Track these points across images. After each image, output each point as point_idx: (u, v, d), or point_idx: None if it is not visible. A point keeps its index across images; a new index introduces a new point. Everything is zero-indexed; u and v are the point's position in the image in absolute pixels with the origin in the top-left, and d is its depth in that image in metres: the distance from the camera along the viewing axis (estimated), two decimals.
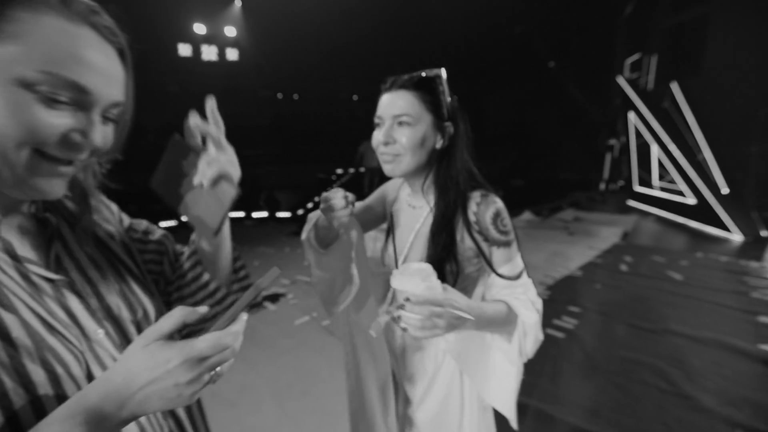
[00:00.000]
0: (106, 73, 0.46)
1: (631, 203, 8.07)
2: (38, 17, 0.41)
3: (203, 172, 0.54)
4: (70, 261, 0.51)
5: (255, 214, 7.00)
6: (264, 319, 3.15)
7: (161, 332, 0.42)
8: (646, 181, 7.80)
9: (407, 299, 0.72)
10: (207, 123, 0.56)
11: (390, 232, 1.06)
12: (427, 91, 0.87)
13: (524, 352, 0.87)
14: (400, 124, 0.87)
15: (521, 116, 18.72)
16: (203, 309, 0.46)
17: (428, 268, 0.75)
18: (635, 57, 10.64)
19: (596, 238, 5.39)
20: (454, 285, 0.89)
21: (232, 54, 18.30)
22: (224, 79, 18.10)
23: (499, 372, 0.88)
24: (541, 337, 0.89)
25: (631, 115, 7.90)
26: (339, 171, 12.78)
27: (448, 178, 0.90)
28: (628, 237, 5.67)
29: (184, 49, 17.29)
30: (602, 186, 10.65)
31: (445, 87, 0.90)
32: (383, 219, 1.12)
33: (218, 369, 0.44)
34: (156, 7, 16.05)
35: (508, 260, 0.89)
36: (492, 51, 19.50)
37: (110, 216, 0.62)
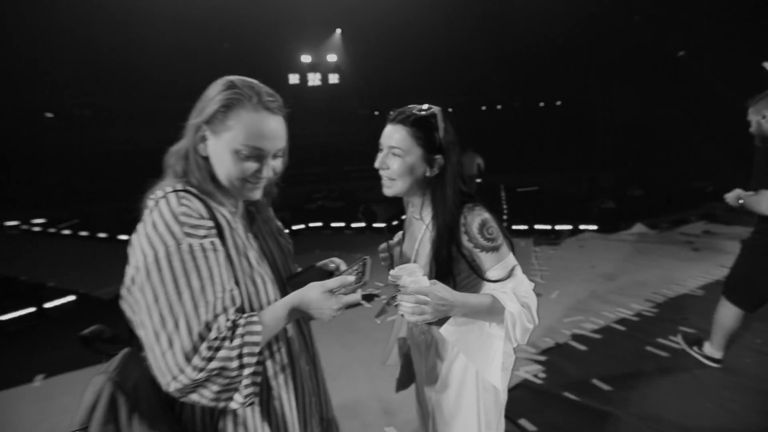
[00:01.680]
0: (276, 136, 0.83)
1: None
2: (244, 113, 0.79)
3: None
4: (260, 233, 0.93)
5: (354, 225, 7.63)
6: (361, 315, 3.53)
7: (327, 287, 0.81)
8: None
9: (399, 290, 0.91)
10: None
11: (403, 238, 1.23)
12: (419, 128, 1.01)
13: (514, 338, 0.98)
14: (393, 154, 1.03)
15: (640, 116, 16.54)
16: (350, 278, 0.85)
17: (416, 267, 0.95)
18: None
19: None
20: (454, 284, 1.02)
21: (333, 78, 20.05)
22: (327, 101, 19.88)
23: (494, 355, 1.00)
24: (529, 325, 0.98)
25: None
26: None
27: (440, 201, 1.03)
28: None
29: (293, 78, 19.52)
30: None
31: (440, 123, 1.02)
32: None
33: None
34: (271, 44, 18.46)
35: (498, 262, 1.01)
36: (604, 44, 17.97)
37: (273, 216, 1.03)
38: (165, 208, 0.74)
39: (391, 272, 0.94)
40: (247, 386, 0.73)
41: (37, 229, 9.03)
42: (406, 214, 1.23)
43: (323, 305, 0.80)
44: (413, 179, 1.04)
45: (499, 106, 20.74)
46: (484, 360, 1.01)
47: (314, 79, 19.88)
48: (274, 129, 0.82)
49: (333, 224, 7.75)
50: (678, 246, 5.20)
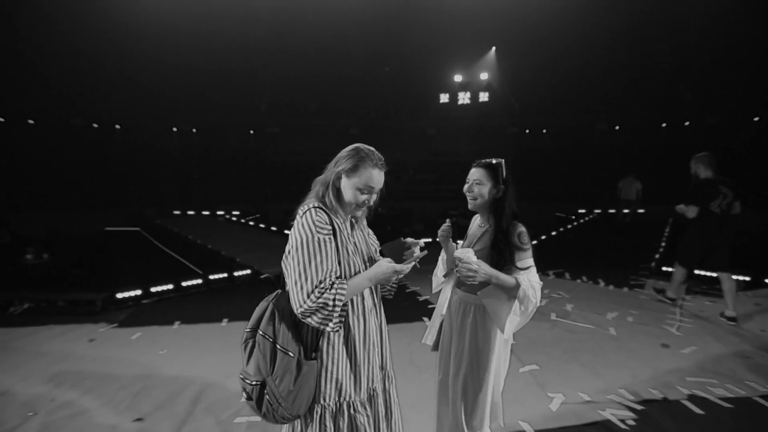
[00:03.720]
0: (379, 182, 1.40)
1: None
2: (366, 169, 1.37)
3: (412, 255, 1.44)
4: (357, 235, 1.46)
5: None
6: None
7: (392, 266, 1.35)
8: None
9: (459, 261, 1.54)
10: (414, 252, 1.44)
11: (465, 235, 1.94)
12: (490, 170, 1.71)
13: (525, 306, 1.60)
14: (477, 183, 1.73)
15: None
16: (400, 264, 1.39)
17: (471, 251, 1.57)
18: None
19: None
20: (501, 268, 1.63)
21: (483, 96, 20.12)
22: (474, 119, 20.06)
23: (507, 313, 1.61)
24: (533, 300, 1.59)
25: None
26: (580, 211, 12.17)
27: (500, 214, 1.69)
28: None
29: (444, 97, 20.33)
30: None
31: (503, 168, 1.70)
32: None
33: (399, 275, 1.37)
34: (427, 66, 19.70)
35: (522, 259, 1.64)
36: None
37: (364, 225, 1.56)
38: (309, 216, 1.31)
39: (456, 252, 1.57)
40: (336, 318, 1.25)
41: (233, 219, 11.92)
42: (471, 224, 1.92)
43: (385, 272, 1.33)
44: (486, 200, 1.72)
45: (687, 123, 17.54)
46: (499, 315, 1.63)
47: (464, 98, 20.34)
48: (379, 179, 1.39)
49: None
50: None
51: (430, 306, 4.33)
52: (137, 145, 17.77)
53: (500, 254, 1.64)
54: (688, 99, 17.15)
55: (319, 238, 1.28)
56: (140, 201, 14.22)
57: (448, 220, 1.86)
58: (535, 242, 8.44)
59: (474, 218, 1.92)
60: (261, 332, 1.30)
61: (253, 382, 1.29)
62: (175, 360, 3.13)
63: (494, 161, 1.71)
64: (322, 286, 1.24)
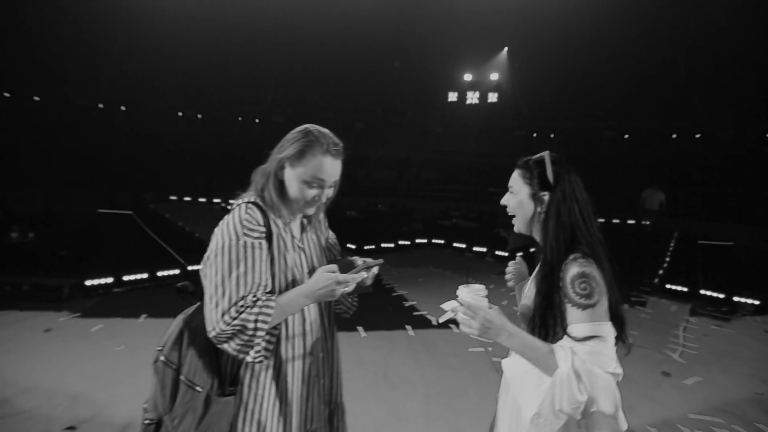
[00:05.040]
0: (333, 173, 1.11)
1: None
2: (315, 156, 1.07)
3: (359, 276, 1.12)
4: (306, 241, 1.20)
5: (476, 248, 7.36)
6: (445, 338, 3.50)
7: (327, 269, 1.05)
8: None
9: (458, 303, 1.00)
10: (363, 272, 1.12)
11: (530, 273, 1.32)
12: (527, 169, 1.14)
13: (557, 403, 0.91)
14: (510, 192, 1.18)
15: None
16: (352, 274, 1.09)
17: (482, 288, 1.01)
18: None
19: None
20: (554, 334, 1.01)
21: (492, 97, 19.74)
22: (482, 120, 19.67)
23: (536, 411, 0.97)
24: (580, 398, 0.89)
25: None
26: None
27: (544, 234, 1.09)
28: None
29: (452, 96, 19.97)
30: None
31: (548, 165, 1.10)
32: None
33: (346, 288, 1.05)
34: (437, 64, 19.36)
35: (580, 322, 0.95)
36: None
37: (323, 228, 1.30)
38: (236, 214, 1.06)
39: (459, 290, 1.03)
40: (258, 346, 0.98)
41: (229, 207, 11.69)
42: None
43: (324, 284, 1.02)
44: (525, 215, 1.14)
45: (697, 135, 17.06)
46: (527, 403, 1.00)
47: (473, 98, 19.98)
48: (333, 169, 1.11)
49: (455, 244, 7.68)
50: None
51: (416, 313, 4.06)
52: (142, 127, 17.62)
53: (551, 304, 1.01)
54: (700, 110, 16.68)
55: (245, 243, 1.02)
56: (140, 184, 14.06)
57: (518, 256, 1.30)
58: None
59: None
60: (163, 358, 1.03)
61: (146, 421, 1.03)
62: (130, 358, 2.89)
63: (533, 159, 1.14)
64: (241, 304, 0.98)
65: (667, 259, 7.38)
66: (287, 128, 1.17)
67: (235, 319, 0.96)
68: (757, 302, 4.78)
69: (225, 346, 0.98)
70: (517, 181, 1.15)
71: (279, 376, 1.09)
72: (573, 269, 0.98)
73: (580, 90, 17.98)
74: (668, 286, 5.36)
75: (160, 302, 4.00)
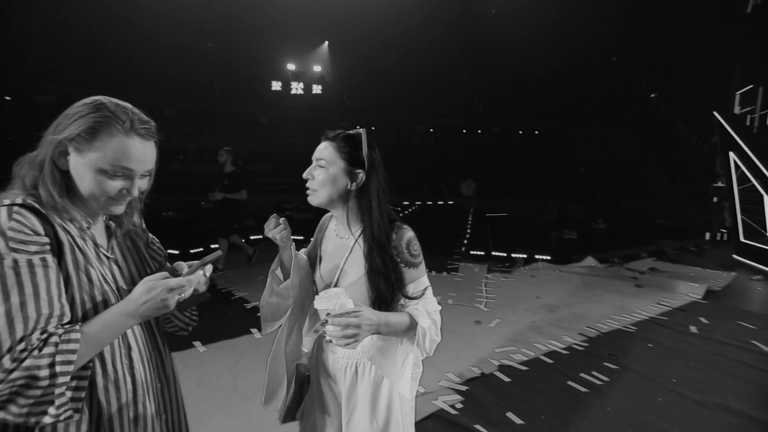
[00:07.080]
0: (144, 158, 0.86)
1: (738, 258, 6.89)
2: (113, 137, 0.81)
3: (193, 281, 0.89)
4: (118, 249, 0.95)
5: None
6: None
7: (152, 278, 0.82)
8: (759, 233, 6.50)
9: (328, 315, 0.96)
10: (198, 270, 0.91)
11: (318, 260, 1.23)
12: (344, 143, 1.12)
13: (423, 349, 1.08)
14: (319, 165, 1.12)
15: (612, 153, 17.20)
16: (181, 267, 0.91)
17: (342, 291, 1.00)
18: (747, 88, 9.56)
19: (670, 293, 4.77)
20: (392, 302, 1.09)
21: (316, 89, 20.09)
22: (309, 111, 19.85)
23: (405, 367, 1.12)
24: (437, 338, 1.09)
25: (733, 155, 7.06)
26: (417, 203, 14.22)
27: (366, 213, 1.11)
28: (715, 296, 4.86)
29: (276, 85, 19.43)
30: (708, 236, 9.17)
31: (364, 142, 1.12)
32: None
33: (181, 296, 0.84)
34: (256, 49, 18.39)
35: (415, 279, 1.12)
36: (582, 82, 18.78)
37: (140, 230, 1.03)
38: None
39: (316, 302, 0.99)
40: (61, 396, 0.72)
41: None
42: (325, 234, 1.27)
43: (150, 294, 0.80)
44: (335, 189, 1.11)
45: (479, 131, 21.22)
46: (395, 372, 1.11)
47: (297, 88, 19.88)
48: (143, 153, 0.85)
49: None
50: (623, 281, 5.37)
51: (260, 314, 3.85)
52: None
53: (387, 280, 1.07)
54: (479, 109, 20.88)
55: (15, 262, 0.72)
56: None
57: (274, 215, 1.16)
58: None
59: (324, 224, 1.30)
60: None
61: None
62: None
63: (351, 132, 1.14)
64: (21, 348, 0.69)
65: (468, 231, 9.13)
66: (59, 110, 0.86)
67: (12, 371, 0.68)
68: (524, 256, 6.39)
69: (2, 414, 0.69)
70: (329, 153, 1.11)
71: (100, 427, 0.82)
72: (406, 235, 1.11)
73: (394, 86, 19.99)
74: (471, 252, 6.65)
75: None
